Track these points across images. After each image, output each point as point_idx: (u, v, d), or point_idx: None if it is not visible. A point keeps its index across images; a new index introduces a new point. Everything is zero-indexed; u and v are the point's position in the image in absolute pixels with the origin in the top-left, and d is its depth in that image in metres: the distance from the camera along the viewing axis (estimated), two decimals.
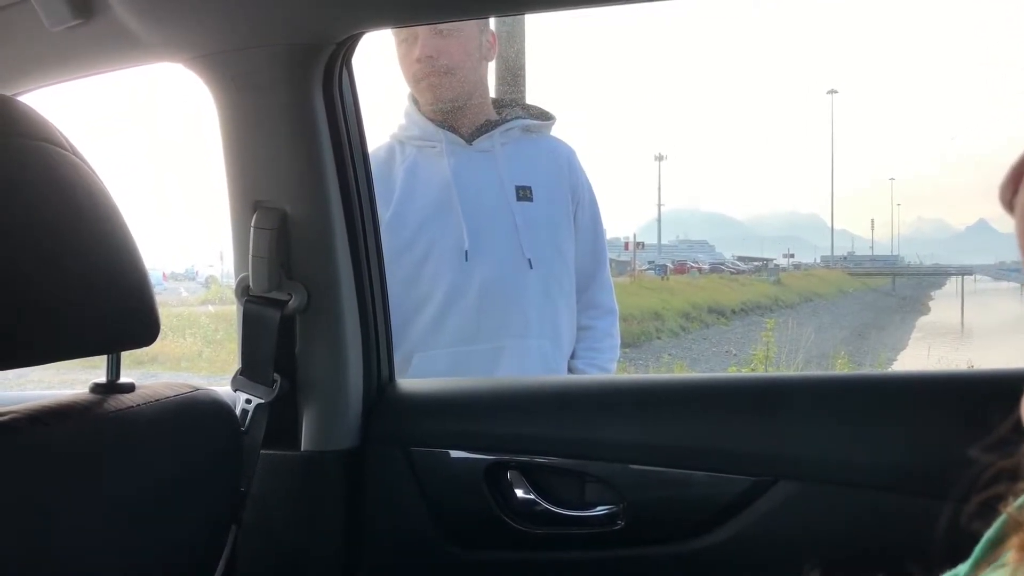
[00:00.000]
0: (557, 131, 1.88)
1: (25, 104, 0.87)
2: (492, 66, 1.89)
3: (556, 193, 1.81)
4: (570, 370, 1.86)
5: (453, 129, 1.78)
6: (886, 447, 1.12)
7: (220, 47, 1.18)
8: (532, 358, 1.75)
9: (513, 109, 1.85)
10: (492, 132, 1.79)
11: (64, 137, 0.88)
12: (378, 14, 1.16)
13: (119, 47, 1.21)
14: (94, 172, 0.90)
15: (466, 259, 1.73)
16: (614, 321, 1.90)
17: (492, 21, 1.87)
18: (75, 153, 0.88)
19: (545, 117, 1.86)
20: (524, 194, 1.77)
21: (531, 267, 1.74)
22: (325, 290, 1.23)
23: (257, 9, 1.14)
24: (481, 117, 1.81)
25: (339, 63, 1.22)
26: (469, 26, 1.74)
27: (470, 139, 1.79)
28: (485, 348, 1.73)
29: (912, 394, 1.17)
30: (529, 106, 1.89)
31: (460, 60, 1.74)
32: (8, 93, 1.15)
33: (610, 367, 1.88)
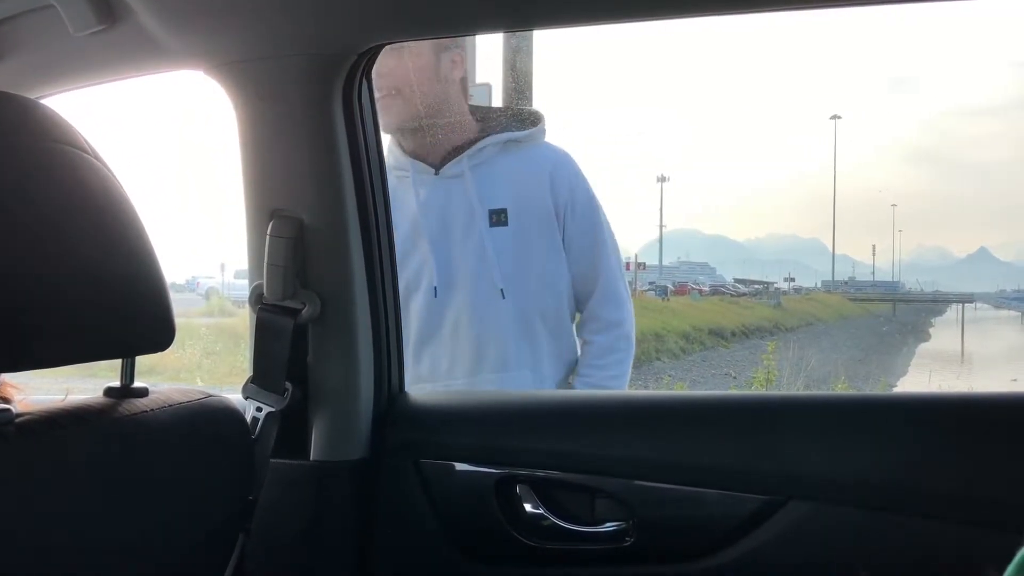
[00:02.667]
0: (560, 137, 1.81)
1: (48, 107, 0.87)
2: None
3: (535, 212, 1.72)
4: (570, 387, 1.80)
5: (421, 157, 1.71)
6: (899, 468, 1.12)
7: (242, 56, 1.19)
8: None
9: (496, 120, 1.76)
10: (460, 157, 1.71)
11: (86, 141, 0.88)
12: (399, 26, 1.17)
13: (142, 53, 1.22)
14: (114, 176, 0.90)
15: (435, 295, 1.68)
16: (619, 335, 1.79)
17: (463, 41, 1.78)
18: (96, 157, 0.88)
19: (534, 121, 1.76)
20: (498, 219, 1.70)
21: (503, 297, 1.68)
22: (339, 300, 1.23)
23: (280, 19, 1.15)
24: (452, 140, 1.73)
25: (359, 74, 1.23)
26: (420, 55, 1.66)
27: (440, 166, 1.72)
28: (462, 383, 1.68)
29: (926, 415, 1.17)
30: (520, 111, 1.80)
31: (410, 81, 1.67)
32: (32, 97, 1.15)
33: (611, 384, 1.78)
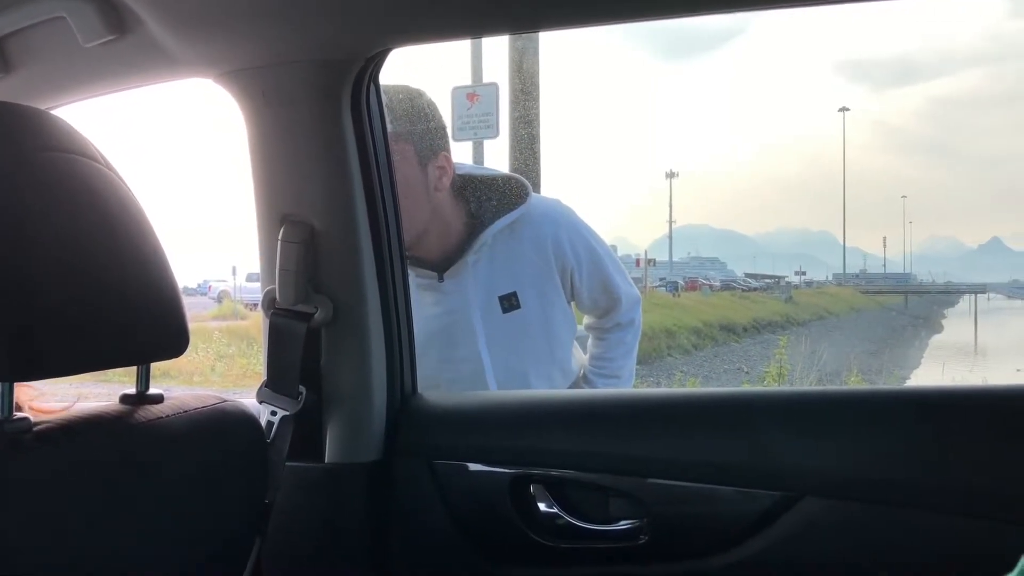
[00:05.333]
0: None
1: (59, 118, 0.88)
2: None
3: (545, 283, 1.76)
4: (584, 377, 1.89)
5: (422, 264, 1.71)
6: (915, 463, 1.12)
7: (251, 63, 1.19)
8: None
9: (485, 202, 1.73)
10: (463, 259, 1.71)
11: (97, 150, 0.89)
12: (407, 30, 1.18)
13: (151, 63, 1.23)
14: (126, 185, 0.91)
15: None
16: (629, 329, 1.90)
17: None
18: (108, 166, 0.89)
19: (521, 194, 1.74)
20: (510, 304, 1.73)
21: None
22: (351, 303, 1.24)
23: (288, 25, 1.15)
24: (450, 242, 1.72)
25: (367, 78, 1.24)
26: (407, 163, 1.61)
27: (442, 270, 1.72)
28: None
29: (942, 409, 1.16)
30: (504, 181, 1.77)
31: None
32: (43, 107, 1.16)
33: (623, 373, 1.89)
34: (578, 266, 1.78)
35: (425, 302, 1.69)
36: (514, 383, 1.76)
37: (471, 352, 1.74)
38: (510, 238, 1.74)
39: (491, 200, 1.74)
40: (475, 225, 1.73)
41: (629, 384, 1.93)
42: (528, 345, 1.76)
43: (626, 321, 1.88)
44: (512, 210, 1.72)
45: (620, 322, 1.88)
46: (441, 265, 1.73)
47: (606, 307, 1.86)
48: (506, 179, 1.78)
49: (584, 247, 1.79)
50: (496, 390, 1.73)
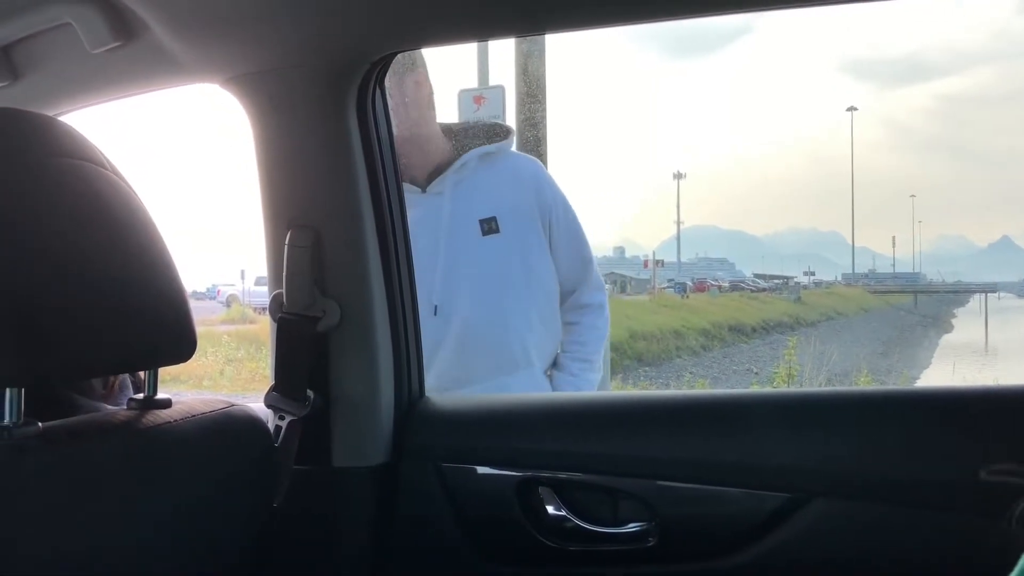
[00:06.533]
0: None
1: (66, 124, 0.89)
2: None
3: (525, 217, 1.81)
4: (556, 364, 1.90)
5: (406, 178, 1.75)
6: (923, 464, 1.11)
7: (257, 67, 1.20)
8: (536, 388, 1.79)
9: (467, 135, 1.83)
10: (444, 175, 1.78)
11: (104, 156, 0.89)
12: (412, 34, 1.18)
13: (158, 68, 1.24)
14: (132, 190, 0.91)
15: (435, 313, 1.75)
16: (600, 314, 1.94)
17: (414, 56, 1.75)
18: (114, 172, 0.89)
19: (503, 133, 1.84)
20: (490, 227, 1.78)
21: (435, 314, 1.75)
22: (358, 307, 1.24)
23: (293, 30, 1.16)
24: (432, 159, 1.80)
25: (372, 82, 1.24)
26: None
27: (425, 184, 1.78)
28: (478, 388, 1.75)
29: (952, 409, 1.16)
30: (488, 125, 1.88)
31: None
32: (50, 113, 1.17)
33: (595, 358, 1.93)
34: (555, 210, 1.83)
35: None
36: (490, 317, 1.77)
37: (447, 269, 1.76)
38: (493, 166, 1.81)
39: (475, 134, 1.83)
40: (458, 148, 1.80)
41: (600, 372, 1.96)
42: (505, 272, 1.79)
43: (596, 303, 1.92)
44: (491, 142, 1.81)
45: (589, 303, 1.91)
46: (425, 182, 1.79)
47: (577, 277, 1.89)
48: (490, 123, 1.89)
49: (561, 198, 1.86)
50: (471, 315, 1.75)
